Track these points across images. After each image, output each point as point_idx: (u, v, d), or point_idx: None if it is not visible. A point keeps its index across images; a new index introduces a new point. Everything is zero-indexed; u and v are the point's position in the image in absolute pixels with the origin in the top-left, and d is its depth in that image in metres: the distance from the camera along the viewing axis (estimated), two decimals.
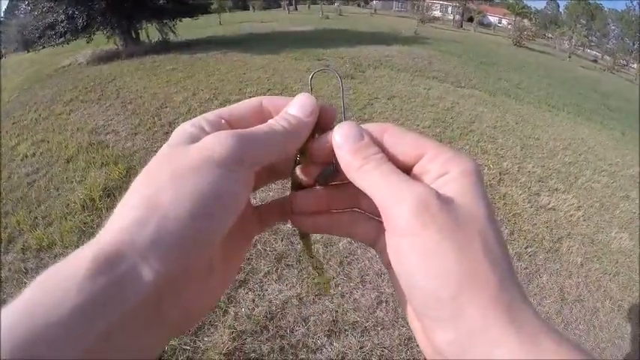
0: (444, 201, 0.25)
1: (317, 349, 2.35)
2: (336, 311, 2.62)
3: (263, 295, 2.61)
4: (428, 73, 9.68)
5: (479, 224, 0.25)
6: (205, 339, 2.27)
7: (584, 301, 3.40)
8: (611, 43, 60.49)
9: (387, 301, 2.82)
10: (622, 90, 21.76)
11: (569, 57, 34.54)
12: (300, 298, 2.64)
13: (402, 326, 2.68)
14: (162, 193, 0.23)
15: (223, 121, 0.29)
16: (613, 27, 62.13)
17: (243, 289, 2.64)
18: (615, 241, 4.34)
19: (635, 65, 41.99)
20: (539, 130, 7.02)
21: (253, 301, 2.56)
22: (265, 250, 3.01)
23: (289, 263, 2.92)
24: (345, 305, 2.68)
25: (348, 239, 3.32)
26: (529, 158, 5.56)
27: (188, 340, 2.24)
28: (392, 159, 0.29)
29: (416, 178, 0.29)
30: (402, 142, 0.31)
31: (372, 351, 2.46)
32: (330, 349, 2.37)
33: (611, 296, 3.57)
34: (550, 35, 53.80)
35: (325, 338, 2.42)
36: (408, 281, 0.25)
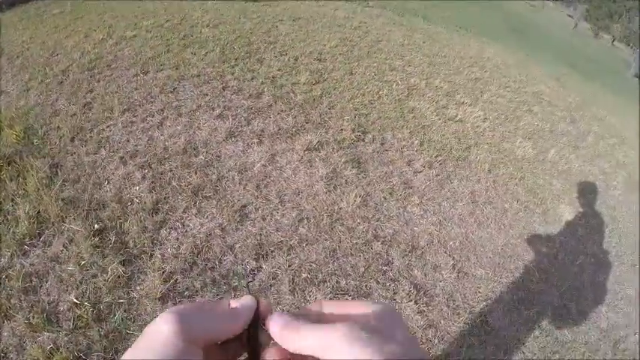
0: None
1: (247, 274, 2.47)
2: (260, 234, 2.71)
3: (186, 232, 2.62)
4: None
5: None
6: (137, 288, 2.26)
7: (493, 202, 3.69)
8: None
9: (307, 218, 2.94)
10: (526, 14, 23.77)
11: None
12: (222, 228, 2.68)
13: (325, 240, 2.82)
14: None
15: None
16: None
17: (165, 230, 2.60)
18: (520, 150, 4.74)
19: None
20: (446, 48, 7.31)
21: (177, 239, 2.56)
22: (180, 185, 2.92)
23: (206, 195, 2.90)
24: (268, 227, 2.77)
25: (263, 162, 3.28)
26: (436, 74, 5.76)
27: (122, 294, 2.21)
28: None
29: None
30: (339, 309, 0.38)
31: (300, 267, 2.59)
32: (260, 271, 2.49)
33: (518, 198, 3.92)
34: None
35: (254, 262, 2.53)
36: None
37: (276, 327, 0.37)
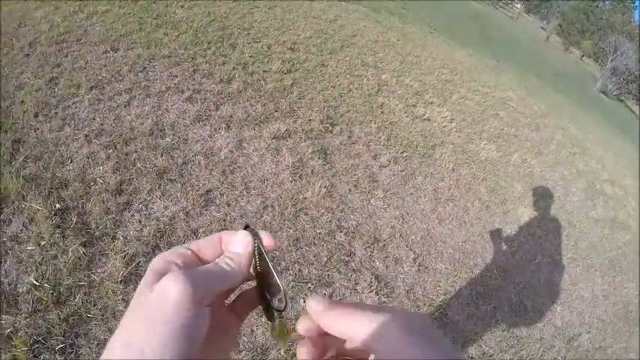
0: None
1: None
2: (224, 220, 2.71)
3: (149, 214, 2.60)
4: None
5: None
6: (99, 270, 2.21)
7: (455, 200, 3.82)
8: None
9: (272, 206, 2.96)
10: (503, 24, 24.58)
11: None
12: (186, 212, 2.67)
13: (289, 228, 2.86)
14: (137, 340, 0.31)
15: (190, 252, 0.39)
16: None
17: (128, 212, 2.56)
18: (484, 151, 4.93)
19: (518, 5, 47.37)
20: (419, 48, 7.49)
21: (140, 222, 2.53)
22: (145, 167, 2.88)
23: (172, 178, 2.88)
24: (232, 213, 2.78)
25: (230, 148, 3.29)
26: (407, 73, 5.90)
27: (82, 276, 2.15)
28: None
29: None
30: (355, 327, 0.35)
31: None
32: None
33: (480, 197, 4.08)
34: None
35: None
36: None
37: (320, 305, 0.36)
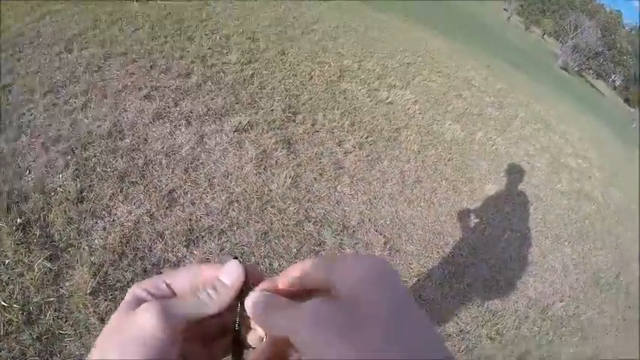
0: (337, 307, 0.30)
1: (179, 261, 2.45)
2: (190, 220, 2.69)
3: (113, 220, 2.54)
4: None
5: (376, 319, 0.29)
6: (67, 284, 2.17)
7: (423, 182, 3.90)
8: None
9: (238, 201, 2.95)
10: (470, 7, 25.03)
11: None
12: (151, 215, 2.63)
13: (257, 222, 2.85)
14: None
15: (164, 284, 0.39)
16: None
17: (92, 219, 2.50)
18: (449, 132, 5.04)
19: None
20: (381, 32, 7.58)
21: (104, 229, 2.48)
22: (106, 171, 2.81)
23: (133, 180, 2.82)
24: (197, 212, 2.76)
25: (191, 144, 3.25)
26: (369, 57, 5.95)
27: (51, 292, 2.10)
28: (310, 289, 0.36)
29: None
30: (314, 271, 0.37)
31: (232, 251, 2.64)
32: (191, 258, 2.49)
33: (447, 177, 4.17)
34: None
35: (185, 249, 2.51)
36: None
37: (254, 309, 0.37)
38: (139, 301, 0.36)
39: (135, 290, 0.38)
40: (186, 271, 0.41)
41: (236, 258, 0.41)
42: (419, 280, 3.03)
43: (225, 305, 0.39)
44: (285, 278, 0.39)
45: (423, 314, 0.31)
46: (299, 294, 0.38)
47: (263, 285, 0.39)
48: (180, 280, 0.40)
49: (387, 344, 0.27)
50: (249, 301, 0.37)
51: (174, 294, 0.39)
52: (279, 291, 0.38)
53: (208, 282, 0.40)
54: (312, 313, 0.30)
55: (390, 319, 0.29)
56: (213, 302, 0.38)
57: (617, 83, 52.22)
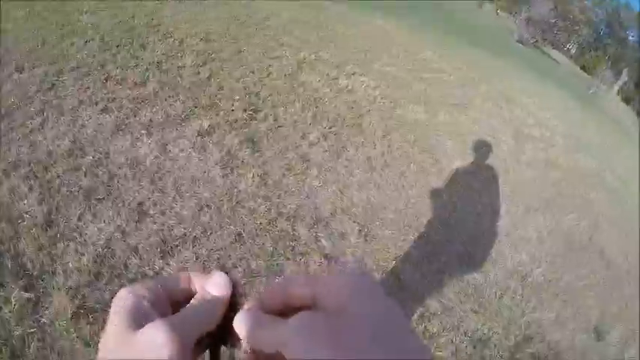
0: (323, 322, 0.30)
1: (156, 274, 2.43)
2: (162, 230, 2.65)
3: (84, 241, 2.47)
4: None
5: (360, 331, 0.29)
6: (46, 312, 2.11)
7: (390, 166, 3.94)
8: None
9: (208, 205, 2.92)
10: None
11: None
12: (122, 230, 2.58)
13: (229, 225, 2.84)
14: None
15: (159, 288, 0.38)
16: None
17: (63, 242, 2.43)
18: (411, 114, 5.10)
19: None
20: (335, 21, 7.61)
21: (77, 250, 2.41)
22: (71, 191, 2.72)
23: (100, 197, 2.75)
24: (169, 222, 2.72)
25: (154, 154, 3.17)
26: (326, 47, 5.97)
27: (31, 322, 2.04)
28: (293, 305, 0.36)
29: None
30: (298, 286, 0.37)
31: (208, 256, 2.60)
32: (169, 269, 2.46)
33: (414, 160, 4.22)
34: None
35: (160, 261, 2.48)
36: None
37: (243, 329, 0.36)
38: (141, 314, 0.34)
39: (128, 300, 0.35)
40: (174, 279, 0.40)
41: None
42: (397, 264, 3.06)
43: (219, 320, 0.38)
44: (269, 295, 0.38)
45: (408, 322, 0.33)
46: (284, 312, 0.37)
47: (249, 304, 0.39)
48: (174, 285, 0.40)
49: (373, 346, 0.28)
50: (237, 322, 0.36)
51: (170, 304, 0.38)
52: (264, 309, 0.38)
53: (200, 293, 0.39)
54: (300, 324, 0.31)
55: (377, 325, 0.30)
56: (212, 318, 0.38)
57: (573, 52, 53.79)
